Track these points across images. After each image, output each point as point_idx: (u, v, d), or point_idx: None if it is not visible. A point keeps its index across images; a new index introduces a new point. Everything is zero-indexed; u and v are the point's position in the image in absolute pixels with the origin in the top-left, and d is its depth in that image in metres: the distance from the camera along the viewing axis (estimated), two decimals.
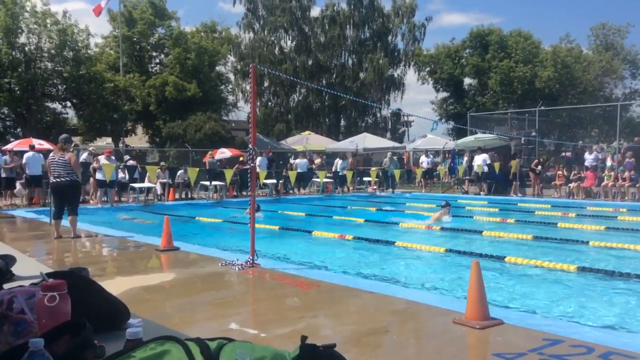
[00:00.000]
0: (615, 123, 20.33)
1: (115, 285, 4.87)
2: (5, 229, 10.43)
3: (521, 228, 10.54)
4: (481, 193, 19.82)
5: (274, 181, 19.82)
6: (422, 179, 22.88)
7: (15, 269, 3.52)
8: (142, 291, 5.09)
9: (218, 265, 6.30)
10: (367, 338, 3.74)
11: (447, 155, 27.18)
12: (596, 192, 17.98)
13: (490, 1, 77.80)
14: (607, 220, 11.51)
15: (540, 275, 6.30)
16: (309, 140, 30.16)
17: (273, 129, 37.89)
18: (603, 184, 17.60)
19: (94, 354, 1.60)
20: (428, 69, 35.48)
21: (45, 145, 17.11)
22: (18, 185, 16.36)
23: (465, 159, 22.21)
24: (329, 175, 21.34)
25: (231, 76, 36.20)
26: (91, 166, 15.65)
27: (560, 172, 19.24)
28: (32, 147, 15.68)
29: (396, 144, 29.88)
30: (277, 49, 39.28)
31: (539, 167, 19.26)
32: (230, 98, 34.65)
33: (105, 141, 31.86)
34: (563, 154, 24.67)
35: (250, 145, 6.53)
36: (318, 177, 20.65)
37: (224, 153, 21.96)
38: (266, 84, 38.72)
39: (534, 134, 22.01)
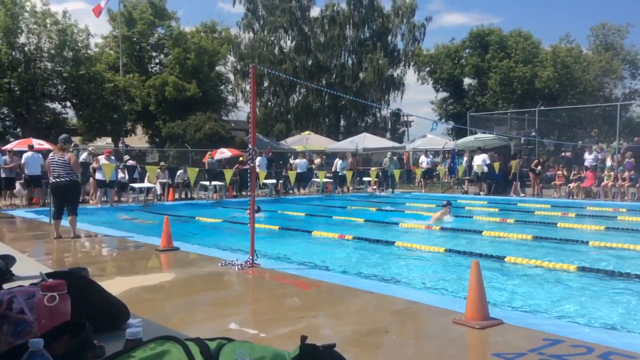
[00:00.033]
0: (615, 123, 20.34)
1: (115, 285, 4.87)
2: (5, 229, 10.43)
3: (521, 228, 10.54)
4: (481, 193, 19.82)
5: (274, 181, 19.82)
6: (421, 179, 22.89)
7: (15, 269, 3.52)
8: (141, 291, 5.09)
9: (218, 265, 6.29)
10: (367, 338, 3.74)
11: (446, 155, 27.18)
12: (596, 192, 17.99)
13: (490, 1, 77.87)
14: (607, 220, 11.52)
15: (540, 275, 6.30)
16: (309, 140, 30.16)
17: (273, 129, 37.90)
18: (603, 184, 17.61)
19: (94, 354, 1.60)
20: (428, 69, 35.48)
21: (45, 145, 17.11)
22: (18, 185, 16.35)
23: (465, 159, 22.21)
24: (328, 175, 21.34)
25: (231, 76, 36.27)
26: (91, 166, 15.65)
27: (560, 172, 19.24)
28: (31, 147, 15.68)
29: (396, 144, 29.88)
30: (276, 49, 39.29)
31: (539, 168, 19.27)
32: (230, 98, 34.70)
33: (105, 141, 31.85)
34: (563, 154, 24.67)
35: (250, 145, 6.53)
36: (318, 177, 20.65)
37: (224, 153, 21.97)
38: (266, 84, 38.74)
39: (533, 134, 22.01)
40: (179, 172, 18.49)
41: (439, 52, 34.30)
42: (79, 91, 24.48)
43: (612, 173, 17.53)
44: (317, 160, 23.79)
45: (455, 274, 6.45)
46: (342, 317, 4.34)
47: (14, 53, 22.73)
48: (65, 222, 8.74)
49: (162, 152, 27.51)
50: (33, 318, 1.82)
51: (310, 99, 38.88)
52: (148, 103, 28.08)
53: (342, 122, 40.80)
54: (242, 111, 36.42)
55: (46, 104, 25.45)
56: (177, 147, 26.09)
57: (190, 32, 30.84)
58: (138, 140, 34.80)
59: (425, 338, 3.89)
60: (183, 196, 18.83)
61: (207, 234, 10.21)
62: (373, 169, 22.66)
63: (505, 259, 6.94)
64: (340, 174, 21.16)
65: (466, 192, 20.68)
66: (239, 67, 37.52)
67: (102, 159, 15.43)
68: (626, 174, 17.23)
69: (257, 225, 6.83)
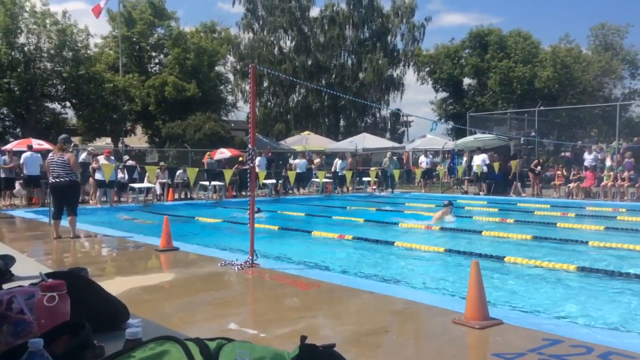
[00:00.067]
0: (614, 123, 20.33)
1: (114, 286, 4.86)
2: (4, 229, 10.42)
3: (520, 228, 10.54)
4: (480, 193, 19.82)
5: (274, 181, 19.82)
6: (421, 179, 22.90)
7: (15, 269, 3.52)
8: (141, 291, 5.09)
9: (217, 265, 6.29)
10: (366, 338, 3.74)
11: (446, 155, 27.18)
12: (595, 192, 17.99)
13: (490, 1, 77.90)
14: (607, 220, 11.52)
15: (540, 275, 6.30)
16: (309, 141, 30.16)
17: (272, 129, 37.90)
18: (602, 184, 17.61)
19: (94, 354, 1.60)
20: (427, 69, 35.46)
21: (45, 145, 17.10)
22: (17, 185, 16.35)
23: (465, 159, 22.21)
24: (328, 175, 21.34)
25: (230, 76, 36.25)
26: (90, 166, 15.64)
27: (559, 172, 19.25)
28: (29, 147, 15.67)
29: (395, 144, 29.88)
30: (276, 49, 39.29)
31: (538, 168, 19.27)
32: (230, 98, 34.66)
33: (105, 141, 31.84)
34: (562, 154, 24.68)
35: (249, 146, 6.53)
36: (317, 177, 20.65)
37: (224, 153, 21.97)
38: (265, 84, 38.73)
39: (533, 134, 22.02)
40: (179, 172, 18.49)
41: (439, 52, 34.29)
42: (78, 91, 24.47)
43: (611, 173, 17.53)
44: (317, 161, 23.79)
45: (455, 274, 6.45)
46: (341, 317, 4.34)
47: (13, 53, 22.72)
48: (64, 222, 8.73)
49: (162, 152, 27.51)
50: (33, 318, 1.82)
51: (310, 99, 38.88)
52: (148, 103, 28.07)
53: (342, 122, 40.81)
54: (242, 111, 36.46)
55: (46, 104, 25.43)
56: (176, 147, 26.08)
57: (189, 32, 30.83)
58: (138, 140, 34.79)
59: (425, 338, 3.89)
60: (183, 196, 18.83)
61: (207, 234, 10.21)
62: (373, 169, 22.66)
63: (505, 259, 6.94)
64: (339, 174, 21.16)
65: (466, 192, 20.68)
66: (238, 67, 37.52)
67: (101, 159, 15.43)
68: (625, 174, 17.23)
69: (256, 225, 6.83)
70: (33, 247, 8.07)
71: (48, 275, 2.09)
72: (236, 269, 6.05)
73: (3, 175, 15.46)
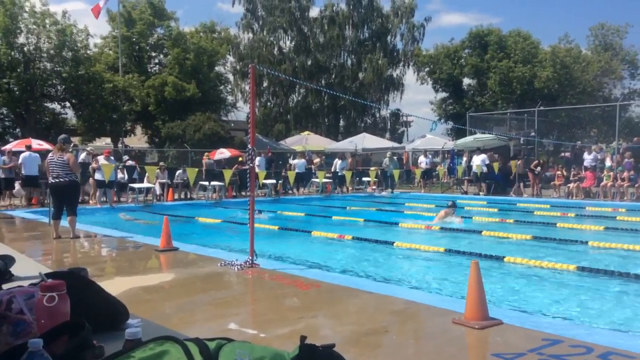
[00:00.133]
0: (614, 123, 20.34)
1: (114, 286, 4.86)
2: (4, 230, 10.42)
3: (520, 228, 10.54)
4: (480, 193, 19.82)
5: (273, 181, 19.82)
6: (421, 179, 22.90)
7: (14, 270, 3.51)
8: (141, 291, 5.08)
9: (217, 265, 6.29)
10: (366, 338, 3.74)
11: (446, 155, 27.18)
12: (595, 192, 17.99)
13: (490, 1, 77.93)
14: (606, 221, 11.52)
15: (540, 275, 6.30)
16: (308, 141, 30.15)
17: (272, 129, 37.89)
18: (602, 184, 17.61)
19: (93, 354, 1.59)
20: (427, 69, 35.47)
21: (45, 145, 17.09)
22: (17, 185, 16.33)
23: (465, 159, 22.22)
24: (328, 175, 21.34)
25: (230, 76, 36.24)
26: (90, 166, 15.64)
27: (559, 173, 19.25)
28: (28, 147, 15.66)
29: (395, 144, 29.89)
30: (276, 49, 39.29)
31: (538, 168, 19.27)
32: (230, 98, 34.64)
33: (105, 141, 31.82)
34: (562, 154, 24.67)
35: (249, 146, 6.53)
36: (317, 178, 20.65)
37: (223, 153, 21.97)
38: (265, 84, 38.73)
39: (533, 134, 22.02)
40: (179, 172, 18.48)
41: (438, 52, 34.30)
42: (78, 91, 24.45)
43: (611, 173, 17.53)
44: (317, 161, 23.79)
45: (454, 274, 6.45)
46: (341, 317, 4.34)
47: (13, 53, 22.70)
48: (64, 222, 8.73)
49: (162, 152, 27.50)
50: (32, 318, 1.82)
51: (310, 99, 38.88)
52: (147, 103, 28.06)
53: (342, 122, 40.81)
54: (242, 111, 36.45)
55: (45, 104, 25.41)
56: (176, 148, 26.08)
57: (189, 33, 30.82)
58: (137, 140, 34.77)
59: (424, 338, 3.89)
60: (182, 196, 18.83)
61: (207, 234, 10.21)
62: (372, 169, 22.65)
63: (505, 259, 6.94)
64: (339, 174, 21.16)
65: (465, 193, 20.68)
66: (238, 67, 37.52)
67: (101, 159, 15.42)
68: (625, 174, 17.23)
69: (256, 226, 6.83)
70: (33, 247, 8.06)
71: (48, 275, 2.09)
72: (236, 269, 6.04)
73: (2, 176, 15.44)
